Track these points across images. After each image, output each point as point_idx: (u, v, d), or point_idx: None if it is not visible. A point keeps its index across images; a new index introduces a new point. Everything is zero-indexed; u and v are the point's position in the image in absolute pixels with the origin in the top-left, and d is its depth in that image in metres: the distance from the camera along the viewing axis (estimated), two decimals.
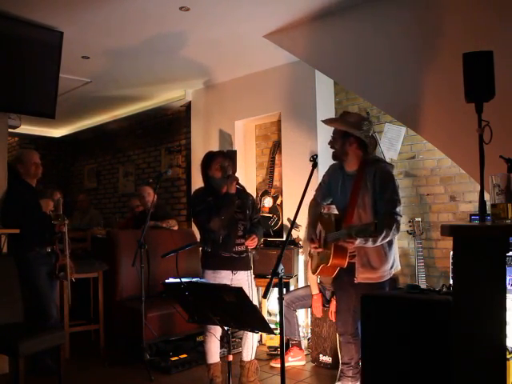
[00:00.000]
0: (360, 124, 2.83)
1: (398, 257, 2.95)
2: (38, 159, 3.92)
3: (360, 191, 2.81)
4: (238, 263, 3.28)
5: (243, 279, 3.28)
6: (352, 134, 2.83)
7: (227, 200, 3.22)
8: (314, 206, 3.16)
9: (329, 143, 2.96)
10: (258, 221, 3.48)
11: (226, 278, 3.23)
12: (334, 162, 3.03)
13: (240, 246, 3.30)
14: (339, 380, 3.18)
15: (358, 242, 2.65)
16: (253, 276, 3.44)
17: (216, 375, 3.32)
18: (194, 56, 4.73)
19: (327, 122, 2.99)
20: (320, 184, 3.17)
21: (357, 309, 2.87)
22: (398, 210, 2.73)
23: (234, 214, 3.27)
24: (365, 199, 2.80)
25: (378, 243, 2.70)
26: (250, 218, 3.40)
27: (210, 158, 3.38)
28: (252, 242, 3.29)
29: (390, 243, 2.82)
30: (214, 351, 3.31)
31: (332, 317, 3.83)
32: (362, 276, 2.83)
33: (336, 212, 3.11)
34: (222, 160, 3.34)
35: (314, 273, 3.08)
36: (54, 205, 3.90)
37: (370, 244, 2.70)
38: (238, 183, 3.29)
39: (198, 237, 3.50)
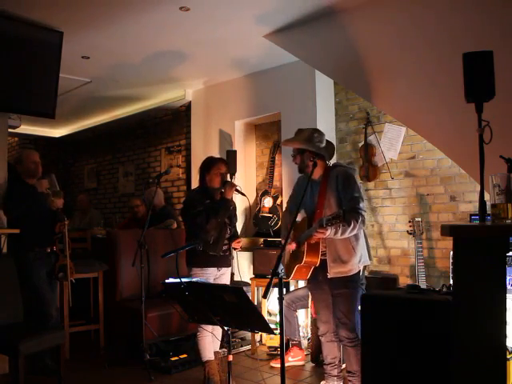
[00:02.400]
0: (311, 138, 3.07)
1: (366, 252, 3.14)
2: (36, 158, 3.91)
3: (326, 194, 3.04)
4: (222, 261, 3.54)
5: (225, 274, 3.59)
6: (306, 149, 3.07)
7: (224, 204, 3.43)
8: (286, 214, 3.37)
9: (292, 160, 3.19)
10: (234, 225, 3.73)
11: (212, 274, 3.48)
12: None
13: (226, 246, 3.55)
14: (324, 380, 3.22)
15: (329, 232, 2.83)
16: (231, 273, 3.76)
17: (213, 373, 3.34)
18: (193, 56, 4.72)
19: (284, 144, 3.31)
20: (291, 194, 3.40)
21: (333, 303, 3.07)
22: (361, 205, 2.95)
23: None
24: (330, 200, 3.02)
25: (347, 235, 2.90)
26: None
27: (210, 163, 3.54)
28: (239, 245, 3.61)
29: (357, 238, 3.02)
30: (207, 348, 3.40)
31: None
32: (333, 271, 3.00)
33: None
34: (223, 167, 3.53)
35: (288, 277, 3.17)
36: (48, 182, 3.85)
37: (339, 235, 2.86)
38: (237, 190, 3.51)
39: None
